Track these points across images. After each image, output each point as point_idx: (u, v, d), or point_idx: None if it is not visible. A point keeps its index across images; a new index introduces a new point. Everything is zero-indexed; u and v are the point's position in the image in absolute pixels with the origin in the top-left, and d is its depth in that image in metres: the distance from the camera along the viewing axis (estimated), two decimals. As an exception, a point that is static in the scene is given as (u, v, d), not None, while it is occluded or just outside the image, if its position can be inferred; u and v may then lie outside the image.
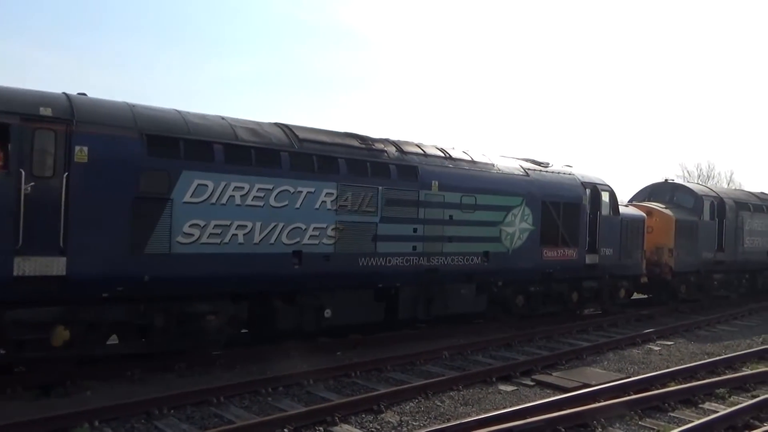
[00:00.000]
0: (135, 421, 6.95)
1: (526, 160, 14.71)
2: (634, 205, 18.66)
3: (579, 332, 13.76)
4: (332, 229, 10.33)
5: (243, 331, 10.52)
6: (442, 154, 12.42)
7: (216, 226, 9.06)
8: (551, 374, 9.84)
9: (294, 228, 9.88)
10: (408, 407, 7.87)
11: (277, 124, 10.47)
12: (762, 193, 24.19)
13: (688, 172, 65.91)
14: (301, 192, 9.95)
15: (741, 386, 9.39)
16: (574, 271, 14.62)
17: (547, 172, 14.53)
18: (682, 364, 10.68)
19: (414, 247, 11.46)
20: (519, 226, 13.24)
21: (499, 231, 12.85)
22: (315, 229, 10.12)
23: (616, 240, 15.67)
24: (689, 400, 8.54)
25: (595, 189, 15.34)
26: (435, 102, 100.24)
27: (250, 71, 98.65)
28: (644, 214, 17.32)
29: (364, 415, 7.44)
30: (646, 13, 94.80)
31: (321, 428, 6.95)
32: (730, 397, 8.85)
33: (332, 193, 10.30)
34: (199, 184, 8.89)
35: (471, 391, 8.76)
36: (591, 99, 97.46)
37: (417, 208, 11.48)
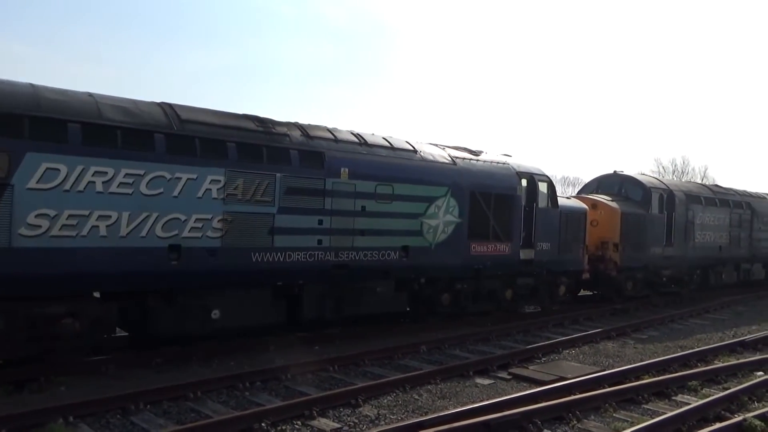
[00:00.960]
0: (110, 417, 6.88)
1: (457, 148, 13.78)
2: (579, 198, 17.86)
3: (555, 326, 13.91)
4: (219, 221, 9.26)
5: (122, 334, 9.81)
6: (357, 140, 11.35)
7: (71, 216, 7.93)
8: (528, 368, 9.94)
9: (171, 219, 8.78)
10: (386, 401, 7.90)
11: (159, 104, 9.37)
12: (716, 186, 23.34)
13: (663, 167, 66.99)
14: (180, 179, 8.85)
15: (713, 378, 9.59)
16: (508, 267, 13.72)
17: (477, 160, 13.49)
18: (655, 357, 10.87)
19: (319, 241, 10.42)
20: (444, 218, 12.26)
21: (420, 224, 11.86)
22: (197, 220, 9.04)
23: (555, 234, 14.80)
24: (662, 392, 8.69)
25: (532, 180, 14.38)
26: (419, 96, 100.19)
27: (228, 64, 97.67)
28: (586, 207, 16.44)
29: (342, 409, 7.45)
30: (625, 12, 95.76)
31: (299, 422, 6.95)
32: (702, 389, 9.02)
33: (219, 181, 9.22)
34: (48, 168, 7.74)
35: (448, 384, 8.82)
36: (569, 96, 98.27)
37: (323, 198, 10.44)
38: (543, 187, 14.68)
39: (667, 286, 19.12)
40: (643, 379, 9.16)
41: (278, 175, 9.91)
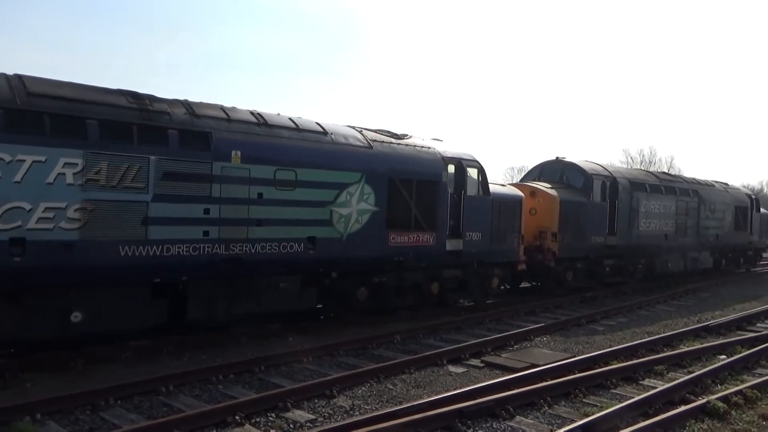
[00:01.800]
0: (80, 413, 6.75)
1: (379, 132, 12.72)
2: (516, 185, 17.13)
3: (527, 314, 14.09)
4: (76, 210, 8.11)
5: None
6: (255, 120, 10.29)
7: None
8: (500, 355, 10.06)
9: (11, 208, 7.63)
10: (360, 391, 7.92)
11: (5, 75, 8.24)
12: (663, 173, 22.63)
13: (631, 157, 68.26)
14: (24, 161, 7.68)
15: (678, 363, 9.85)
16: (433, 259, 12.82)
17: (398, 144, 12.49)
18: (623, 343, 11.10)
19: (206, 233, 9.32)
20: (357, 207, 11.26)
21: (329, 213, 10.85)
22: (47, 209, 7.89)
23: (487, 223, 13.94)
24: (630, 377, 8.89)
25: (460, 165, 13.42)
26: (392, 86, 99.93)
27: (199, 53, 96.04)
28: (521, 194, 15.52)
29: (316, 400, 7.44)
30: (594, 5, 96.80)
31: (273, 414, 6.92)
32: (668, 373, 9.26)
33: (75, 164, 8.08)
34: None
35: (422, 373, 8.88)
36: (539, 88, 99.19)
37: (210, 184, 9.37)
38: (473, 173, 13.76)
39: (611, 276, 18.48)
40: (611, 365, 9.34)
41: (153, 158, 8.74)
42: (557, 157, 18.76)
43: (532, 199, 16.39)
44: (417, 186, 12.36)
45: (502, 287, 15.33)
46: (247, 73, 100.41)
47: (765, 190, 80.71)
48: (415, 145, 12.92)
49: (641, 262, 19.61)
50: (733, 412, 7.42)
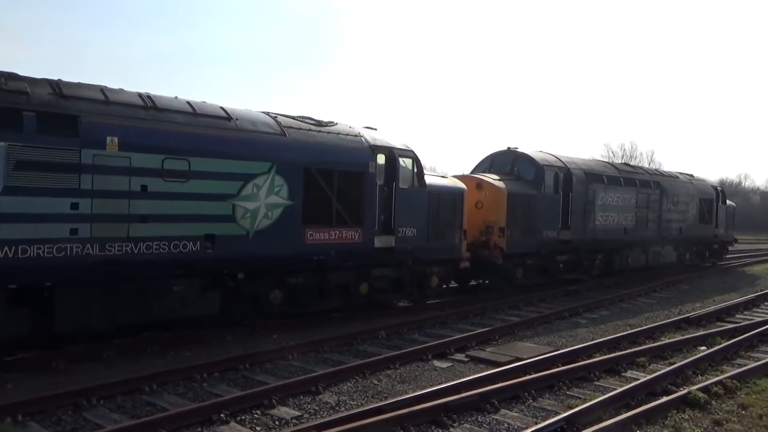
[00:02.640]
0: (62, 413, 6.67)
1: (298, 119, 11.57)
2: (460, 177, 15.87)
3: (511, 308, 14.17)
4: None
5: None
6: (141, 103, 9.15)
7: None
8: (485, 350, 10.11)
9: None
10: (346, 387, 7.92)
11: None
12: (624, 164, 21.53)
13: (612, 152, 68.89)
14: None
15: (660, 354, 9.98)
16: (359, 257, 11.80)
17: (318, 131, 11.33)
18: (606, 336, 11.22)
19: (74, 231, 8.17)
20: (266, 200, 10.20)
21: (231, 207, 9.77)
22: None
23: (423, 218, 12.96)
24: (613, 369, 8.99)
25: (391, 155, 12.35)
26: (374, 80, 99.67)
27: (178, 47, 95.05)
28: (463, 186, 14.47)
29: (302, 397, 7.43)
30: (578, 2, 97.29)
31: (258, 412, 6.89)
32: (650, 365, 9.37)
33: None
34: None
35: (407, 368, 8.90)
36: (521, 83, 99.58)
37: (78, 175, 8.20)
38: (406, 163, 12.69)
39: (566, 272, 17.59)
40: (594, 357, 9.44)
41: (1, 144, 7.65)
42: (508, 147, 17.64)
43: (477, 191, 15.44)
44: (339, 177, 11.27)
45: (445, 286, 14.56)
46: (227, 68, 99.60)
47: (743, 183, 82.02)
48: (338, 133, 11.77)
49: (598, 257, 18.76)
50: (713, 402, 7.54)
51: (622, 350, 10.08)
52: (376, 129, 13.04)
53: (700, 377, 8.72)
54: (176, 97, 9.98)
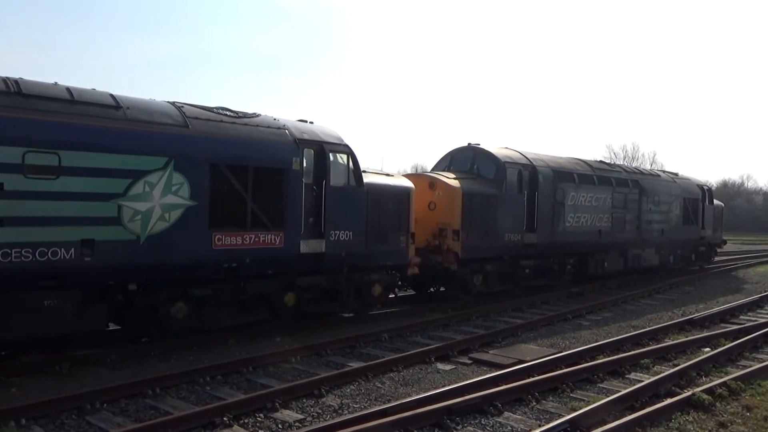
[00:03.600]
0: (65, 417, 6.68)
1: (211, 109, 10.25)
2: (411, 175, 14.88)
3: (514, 310, 14.15)
4: None
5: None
6: (3, 87, 7.99)
7: None
8: (488, 352, 10.10)
9: None
10: (349, 390, 7.91)
11: None
12: (599, 162, 20.07)
13: (614, 153, 68.90)
14: None
15: (663, 356, 9.94)
16: (282, 264, 10.53)
17: (230, 123, 10.05)
18: (609, 338, 11.20)
19: None
20: (162, 200, 8.94)
21: (116, 208, 8.53)
22: None
23: (361, 220, 11.64)
24: (616, 371, 8.97)
25: (321, 150, 11.01)
26: (379, 84, 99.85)
27: (178, 52, 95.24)
28: (409, 185, 13.10)
29: (305, 400, 7.42)
30: (580, 4, 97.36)
31: (261, 415, 6.89)
32: (654, 366, 9.35)
33: None
34: None
35: (411, 371, 8.88)
36: (525, 85, 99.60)
37: None
38: (340, 160, 11.42)
39: (533, 279, 16.26)
40: (598, 359, 9.42)
41: None
42: (469, 143, 16.18)
43: (430, 191, 14.19)
44: (256, 175, 10.04)
45: (393, 295, 13.37)
46: (228, 71, 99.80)
47: (746, 184, 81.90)
48: (257, 125, 10.46)
49: (570, 262, 17.35)
50: (717, 404, 7.51)
51: (625, 352, 10.05)
52: (311, 122, 11.72)
53: (704, 379, 8.69)
54: (56, 83, 8.77)
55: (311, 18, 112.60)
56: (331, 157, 11.21)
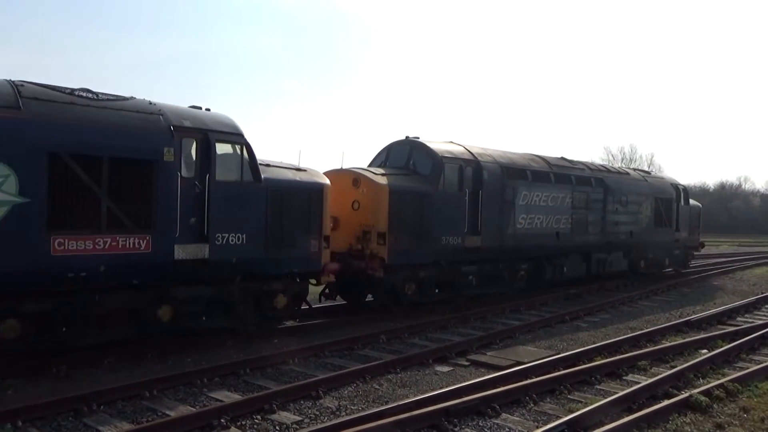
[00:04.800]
0: (62, 419, 6.66)
1: (65, 90, 8.60)
2: (333, 171, 13.16)
3: (512, 312, 14.15)
4: None
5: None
6: None
7: None
8: (486, 354, 10.10)
9: None
10: (346, 392, 7.91)
11: None
12: (560, 158, 18.05)
13: (612, 155, 69.02)
14: None
15: (661, 358, 9.95)
16: (150, 273, 8.96)
17: (83, 106, 8.50)
18: (607, 339, 11.20)
19: None
20: None
21: None
22: None
23: (258, 221, 10.16)
24: (614, 372, 8.98)
25: (205, 140, 9.52)
26: (380, 85, 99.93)
27: (177, 53, 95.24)
28: (322, 181, 11.41)
29: (302, 402, 7.41)
30: (580, 7, 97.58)
31: (259, 417, 6.88)
32: (651, 368, 9.35)
33: None
34: None
35: (408, 373, 8.88)
36: (525, 87, 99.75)
37: None
38: (230, 150, 9.95)
39: (477, 286, 14.67)
40: (595, 361, 9.42)
41: None
42: (407, 136, 14.56)
43: (354, 189, 12.73)
44: (112, 167, 8.50)
45: (306, 306, 11.75)
46: (232, 74, 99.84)
47: (744, 186, 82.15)
48: (121, 109, 8.84)
49: (523, 267, 15.83)
50: (715, 406, 7.53)
51: (623, 353, 10.06)
52: (207, 109, 10.24)
53: (701, 380, 8.70)
54: None
55: (311, 20, 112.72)
56: (218, 148, 9.69)
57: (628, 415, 6.94)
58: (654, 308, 15.56)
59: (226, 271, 9.89)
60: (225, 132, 9.88)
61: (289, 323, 11.53)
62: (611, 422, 6.64)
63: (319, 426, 6.37)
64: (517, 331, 11.84)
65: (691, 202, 23.80)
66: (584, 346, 10.50)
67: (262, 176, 10.25)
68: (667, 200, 21.59)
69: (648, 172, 23.16)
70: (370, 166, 14.35)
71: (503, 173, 14.97)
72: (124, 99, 9.19)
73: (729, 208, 74.10)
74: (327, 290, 13.04)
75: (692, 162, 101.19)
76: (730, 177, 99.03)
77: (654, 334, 11.77)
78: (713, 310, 14.54)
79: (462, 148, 14.62)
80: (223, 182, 9.71)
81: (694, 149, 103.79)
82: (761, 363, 9.59)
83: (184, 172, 9.30)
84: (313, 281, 11.70)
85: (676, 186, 22.57)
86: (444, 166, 13.67)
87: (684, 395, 7.65)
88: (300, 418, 6.89)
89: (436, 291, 14.16)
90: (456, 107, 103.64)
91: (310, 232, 11.05)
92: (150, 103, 9.39)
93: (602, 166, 19.78)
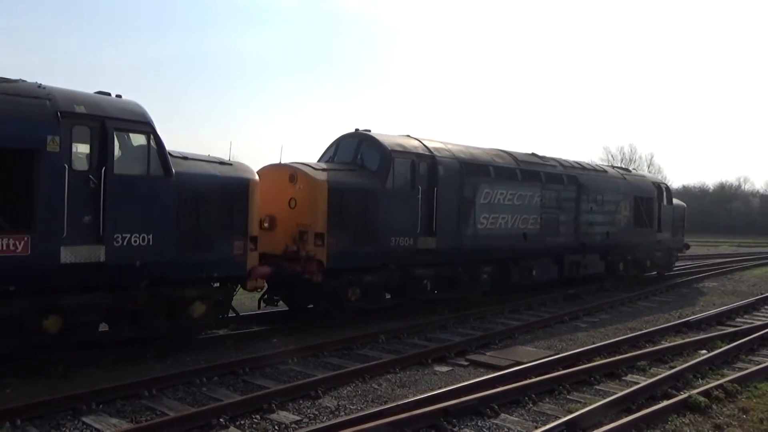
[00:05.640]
0: (61, 418, 6.65)
1: None
2: (269, 166, 12.28)
3: (511, 312, 14.15)
4: None
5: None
6: None
7: None
8: (485, 354, 10.10)
9: None
10: (345, 391, 7.90)
11: None
12: (530, 154, 16.84)
13: (611, 155, 69.04)
14: None
15: (660, 358, 9.95)
16: (23, 279, 7.84)
17: None
18: (606, 340, 11.20)
19: None
20: None
21: None
22: None
23: (168, 219, 9.06)
24: (613, 373, 8.98)
25: (102, 127, 8.40)
26: (381, 85, 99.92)
27: (177, 54, 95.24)
28: (248, 176, 10.28)
29: (301, 401, 7.41)
30: (580, 8, 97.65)
31: (258, 416, 6.88)
32: (650, 368, 9.34)
33: None
34: None
35: (407, 373, 8.88)
36: (528, 88, 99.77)
37: None
38: (133, 140, 8.94)
39: (438, 290, 13.80)
40: (595, 361, 9.42)
41: None
42: (356, 129, 13.40)
43: (291, 185, 11.66)
44: None
45: (233, 314, 10.62)
46: (234, 75, 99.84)
47: (743, 186, 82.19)
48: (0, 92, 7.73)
49: (486, 270, 14.73)
50: (714, 406, 7.53)
51: (622, 354, 10.06)
52: (118, 96, 9.11)
53: (700, 381, 8.69)
54: None
55: (310, 21, 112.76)
56: (117, 138, 8.60)
57: (627, 416, 6.94)
58: (653, 308, 15.57)
59: (129, 276, 8.78)
60: (127, 120, 8.70)
61: (222, 332, 10.66)
62: (610, 423, 6.64)
63: (318, 426, 6.37)
64: (516, 332, 11.84)
65: (675, 201, 22.84)
66: (583, 347, 10.50)
67: (175, 170, 9.10)
68: (648, 199, 20.42)
69: (628, 170, 22.24)
70: (319, 161, 13.33)
71: (462, 169, 13.81)
72: (8, 81, 8.11)
73: (728, 209, 74.18)
74: (266, 296, 12.12)
75: (692, 162, 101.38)
76: (730, 177, 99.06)
77: (653, 335, 11.78)
78: (712, 311, 14.54)
79: (417, 142, 13.49)
80: (125, 176, 8.63)
81: (694, 150, 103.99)
82: (760, 364, 9.60)
83: (75, 165, 8.20)
84: (240, 287, 10.58)
85: (658, 185, 21.56)
86: (393, 161, 12.52)
87: (683, 396, 7.65)
88: (299, 418, 6.89)
89: (387, 296, 13.19)
90: (456, 107, 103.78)
91: (233, 233, 9.92)
92: (39, 86, 8.26)
93: (576, 162, 18.45)
